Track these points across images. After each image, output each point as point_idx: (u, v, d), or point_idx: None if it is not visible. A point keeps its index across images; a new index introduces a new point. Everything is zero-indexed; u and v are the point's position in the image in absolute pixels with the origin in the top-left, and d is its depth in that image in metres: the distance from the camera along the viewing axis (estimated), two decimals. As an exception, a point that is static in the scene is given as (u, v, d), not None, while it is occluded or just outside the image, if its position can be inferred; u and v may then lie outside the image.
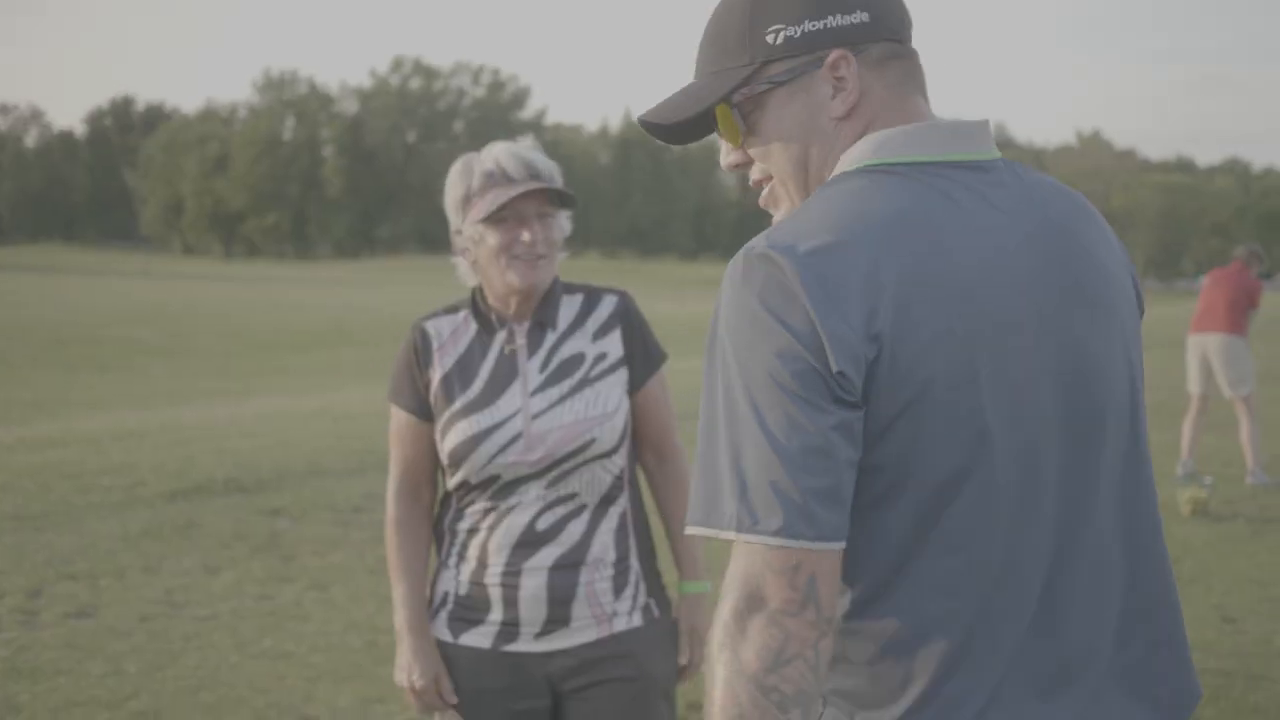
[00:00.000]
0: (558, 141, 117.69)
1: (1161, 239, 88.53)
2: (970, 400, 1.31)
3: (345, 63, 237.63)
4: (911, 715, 1.34)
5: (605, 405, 2.54)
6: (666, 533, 2.72)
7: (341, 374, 20.15)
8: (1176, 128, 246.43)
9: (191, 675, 4.98)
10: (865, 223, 1.33)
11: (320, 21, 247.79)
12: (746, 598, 1.29)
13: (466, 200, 2.55)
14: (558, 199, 2.54)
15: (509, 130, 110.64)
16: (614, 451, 2.55)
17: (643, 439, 2.67)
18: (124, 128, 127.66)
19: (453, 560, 2.62)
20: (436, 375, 2.59)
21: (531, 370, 2.56)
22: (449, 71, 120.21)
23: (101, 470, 8.92)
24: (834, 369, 1.28)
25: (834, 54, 1.43)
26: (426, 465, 2.65)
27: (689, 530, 1.34)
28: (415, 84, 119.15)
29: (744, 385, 1.30)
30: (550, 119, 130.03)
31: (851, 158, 1.43)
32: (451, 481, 2.59)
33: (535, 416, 2.52)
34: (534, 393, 2.54)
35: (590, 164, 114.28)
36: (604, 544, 2.55)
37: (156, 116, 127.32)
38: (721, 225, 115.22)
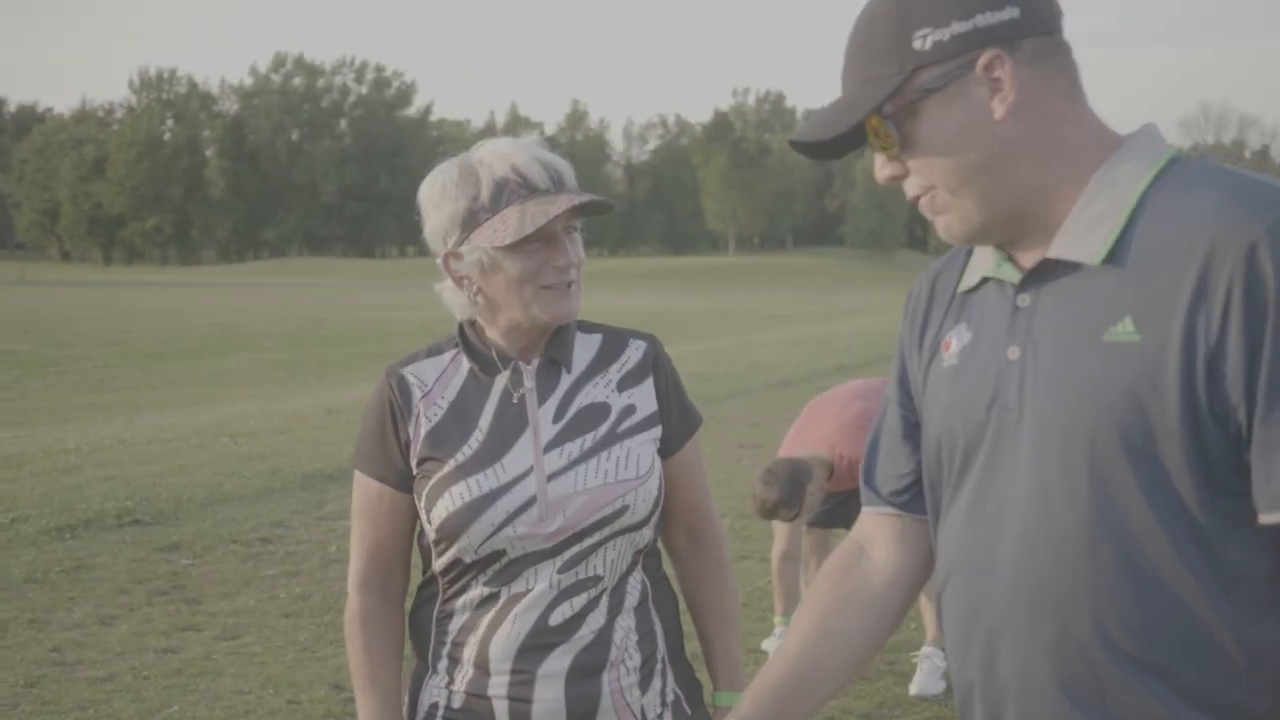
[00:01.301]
0: (443, 138, 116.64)
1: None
2: None
3: (226, 61, 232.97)
4: None
5: (639, 467, 2.03)
6: (699, 630, 2.21)
7: (232, 382, 19.28)
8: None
9: (89, 753, 4.36)
10: None
11: (199, 18, 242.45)
12: None
13: (471, 217, 2.00)
14: (584, 209, 2.02)
15: (394, 128, 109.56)
16: (645, 524, 2.05)
17: (674, 515, 2.16)
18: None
19: (443, 665, 2.08)
20: (422, 430, 2.05)
21: (544, 420, 2.04)
22: (332, 68, 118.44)
23: (-23, 504, 8.16)
24: None
25: (986, 55, 1.38)
26: (400, 546, 2.12)
27: None
28: (298, 82, 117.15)
29: None
30: (436, 115, 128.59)
31: (1148, 156, 1.41)
32: (440, 562, 2.05)
33: (551, 477, 2.00)
34: (548, 448, 2.02)
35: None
36: (627, 632, 2.05)
37: (29, 118, 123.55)
38: (609, 219, 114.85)
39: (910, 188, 1.45)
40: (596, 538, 2.00)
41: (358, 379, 18.31)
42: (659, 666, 2.09)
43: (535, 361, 2.07)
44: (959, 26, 1.37)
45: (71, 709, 4.78)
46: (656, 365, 2.12)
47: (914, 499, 1.63)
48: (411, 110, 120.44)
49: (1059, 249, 1.40)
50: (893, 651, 5.27)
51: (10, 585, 6.38)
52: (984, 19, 1.37)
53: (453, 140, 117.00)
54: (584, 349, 2.11)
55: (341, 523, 7.77)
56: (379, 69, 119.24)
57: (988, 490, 1.45)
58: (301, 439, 10.88)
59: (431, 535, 2.04)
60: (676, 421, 2.12)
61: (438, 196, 2.03)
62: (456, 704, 2.05)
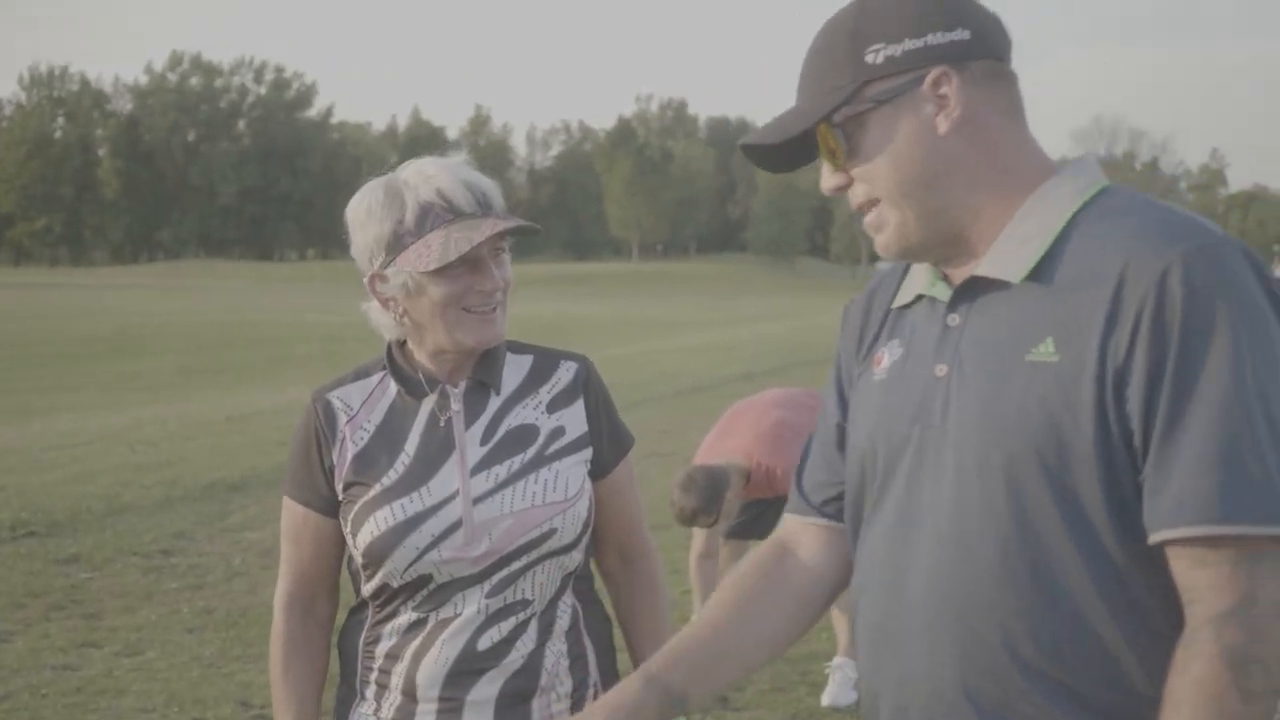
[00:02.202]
0: (344, 140, 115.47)
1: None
2: None
3: (119, 58, 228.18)
4: None
5: (566, 489, 2.01)
6: (632, 653, 2.17)
7: (130, 388, 18.90)
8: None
9: (-14, 776, 4.22)
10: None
11: (92, 14, 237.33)
12: None
13: (396, 240, 1.95)
14: (510, 233, 1.99)
15: (293, 130, 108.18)
16: (574, 547, 2.02)
17: (606, 537, 2.14)
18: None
19: (370, 691, 2.04)
20: (348, 454, 2.02)
21: (471, 442, 2.01)
22: (230, 68, 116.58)
23: None
24: None
25: (935, 71, 1.43)
26: (326, 571, 2.08)
27: (1210, 530, 1.28)
28: (195, 81, 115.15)
29: (1276, 373, 1.32)
30: (337, 117, 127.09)
31: (1079, 183, 1.46)
32: (368, 587, 2.02)
33: (478, 501, 1.97)
34: (474, 471, 1.99)
35: (379, 164, 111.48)
36: (558, 657, 2.02)
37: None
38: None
39: (854, 197, 1.49)
40: (524, 561, 1.97)
41: (260, 385, 18.02)
42: (591, 692, 2.06)
43: (463, 384, 2.03)
44: (911, 44, 1.43)
45: (-34, 730, 4.63)
46: (587, 386, 2.09)
47: (842, 509, 1.65)
48: (312, 112, 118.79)
49: (987, 267, 1.44)
50: (805, 662, 5.29)
51: (-102, 600, 6.17)
52: (935, 38, 1.43)
53: (354, 142, 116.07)
54: (514, 370, 2.08)
55: (245, 534, 7.63)
56: (279, 70, 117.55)
57: (908, 504, 1.47)
58: (203, 447, 10.67)
59: (358, 560, 2.01)
60: (607, 443, 2.10)
61: (364, 217, 1.99)
62: None
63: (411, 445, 2.01)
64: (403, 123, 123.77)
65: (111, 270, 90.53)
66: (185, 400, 16.04)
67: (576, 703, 2.03)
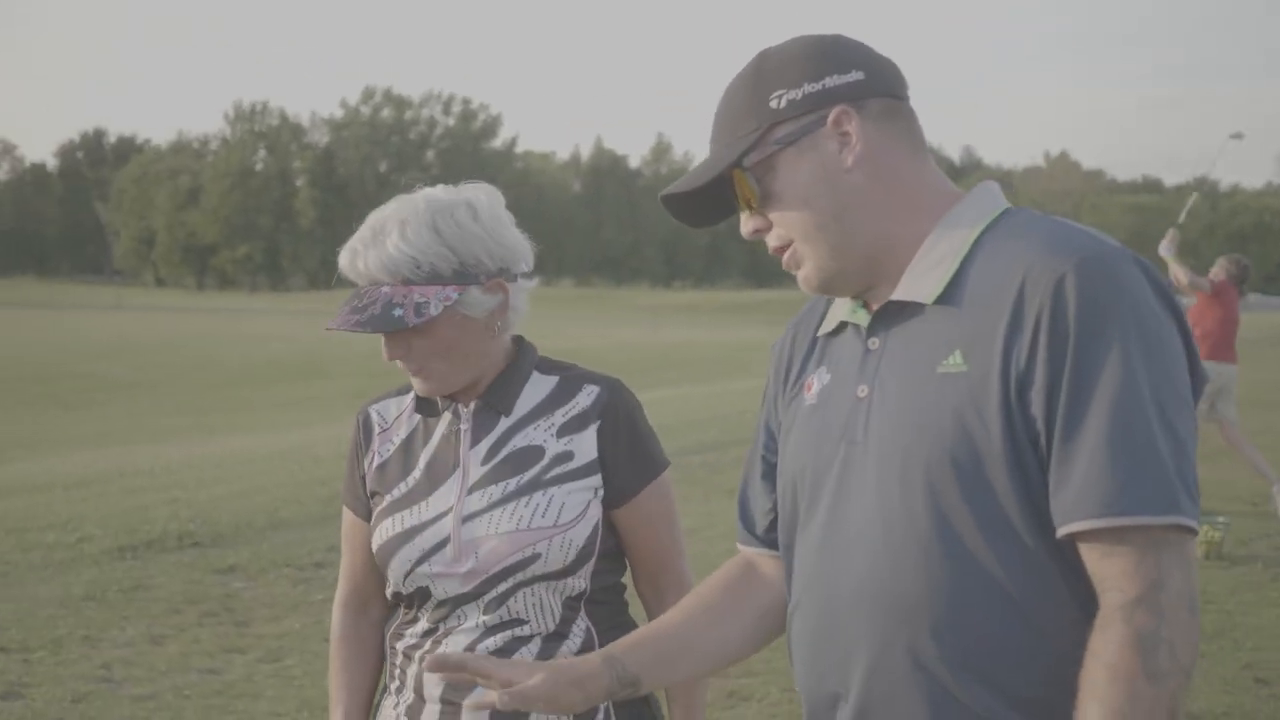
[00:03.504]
0: (528, 169, 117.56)
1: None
2: None
3: (316, 93, 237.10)
4: None
5: (558, 515, 2.01)
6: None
7: (311, 409, 19.61)
8: (1143, 148, 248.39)
9: (124, 769, 4.45)
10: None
11: (290, 52, 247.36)
12: (1192, 593, 1.37)
13: None
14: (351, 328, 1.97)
15: (479, 159, 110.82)
16: (567, 574, 2.03)
17: (636, 566, 2.15)
18: (96, 161, 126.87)
19: (394, 685, 2.15)
20: (373, 464, 2.15)
21: (473, 461, 2.06)
22: (420, 101, 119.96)
23: (47, 524, 8.37)
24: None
25: (835, 110, 1.51)
26: (375, 573, 2.18)
27: (1116, 521, 1.35)
28: (386, 114, 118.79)
29: (1170, 374, 1.39)
30: (521, 147, 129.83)
31: (982, 207, 1.54)
32: (388, 591, 2.14)
33: (467, 519, 2.02)
34: (472, 489, 2.05)
35: (562, 192, 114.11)
36: None
37: (128, 149, 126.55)
38: (693, 251, 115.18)
39: (772, 240, 1.57)
40: (511, 582, 2.01)
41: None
42: (600, 714, 2.06)
43: (473, 404, 2.09)
44: (809, 87, 1.51)
45: (112, 725, 4.89)
46: (605, 412, 2.07)
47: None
48: (497, 142, 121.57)
49: (901, 291, 1.52)
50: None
51: (70, 603, 6.54)
52: (832, 80, 1.52)
53: (538, 171, 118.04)
54: (534, 392, 2.10)
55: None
56: (465, 101, 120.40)
57: (836, 518, 1.53)
58: (366, 466, 11.00)
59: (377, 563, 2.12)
60: (625, 470, 2.07)
61: None
62: None
63: (423, 461, 2.09)
64: (586, 152, 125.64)
65: (306, 296, 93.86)
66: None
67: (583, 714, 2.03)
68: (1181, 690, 1.35)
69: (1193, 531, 1.38)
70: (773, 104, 1.52)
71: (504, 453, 2.06)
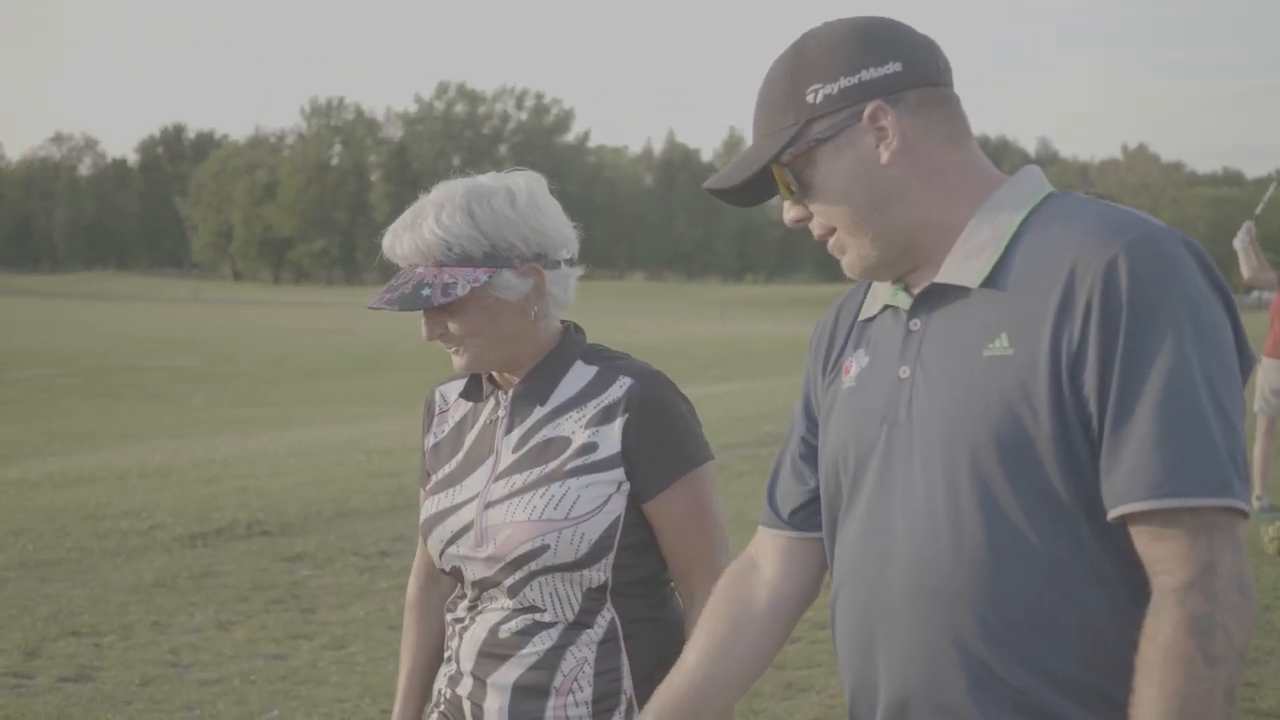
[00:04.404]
0: (601, 163, 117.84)
1: (1212, 253, 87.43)
2: None
3: (390, 89, 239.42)
4: None
5: (571, 508, 2.01)
6: None
7: (383, 401, 19.81)
8: (1224, 140, 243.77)
9: (190, 751, 4.54)
10: None
11: (365, 48, 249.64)
12: (1244, 575, 1.36)
13: None
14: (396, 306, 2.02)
15: (552, 153, 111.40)
16: (581, 566, 2.02)
17: (668, 562, 2.12)
18: (175, 156, 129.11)
19: (448, 654, 2.21)
20: (429, 443, 2.24)
21: (506, 448, 2.10)
22: (493, 96, 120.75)
23: (122, 512, 8.54)
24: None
25: (871, 105, 1.51)
26: None
27: (1168, 503, 1.35)
28: (459, 109, 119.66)
29: (1221, 356, 1.39)
30: (594, 141, 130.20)
31: (1025, 191, 1.54)
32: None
33: (489, 506, 2.06)
34: (499, 476, 2.08)
35: (634, 186, 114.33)
36: (580, 664, 2.04)
37: (207, 144, 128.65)
38: (765, 245, 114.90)
39: (815, 229, 1.59)
40: (525, 570, 2.03)
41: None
42: (620, 705, 2.06)
43: (512, 391, 2.12)
44: (845, 81, 1.52)
45: (179, 709, 4.99)
46: (634, 405, 2.04)
47: (808, 518, 1.72)
48: (570, 136, 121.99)
49: (945, 275, 1.53)
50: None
51: (141, 589, 6.67)
52: (868, 74, 1.52)
53: (611, 165, 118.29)
54: (573, 381, 2.10)
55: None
56: (538, 96, 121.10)
57: (880, 501, 1.53)
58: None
59: None
60: (649, 465, 2.04)
61: None
62: (447, 694, 2.17)
63: (467, 444, 2.15)
64: (658, 146, 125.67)
65: (378, 289, 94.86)
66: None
67: (599, 712, 2.04)
68: (1237, 672, 1.34)
69: (1244, 514, 1.37)
70: (809, 98, 1.53)
71: (534, 441, 2.08)
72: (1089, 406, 1.38)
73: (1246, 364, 1.44)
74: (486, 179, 2.11)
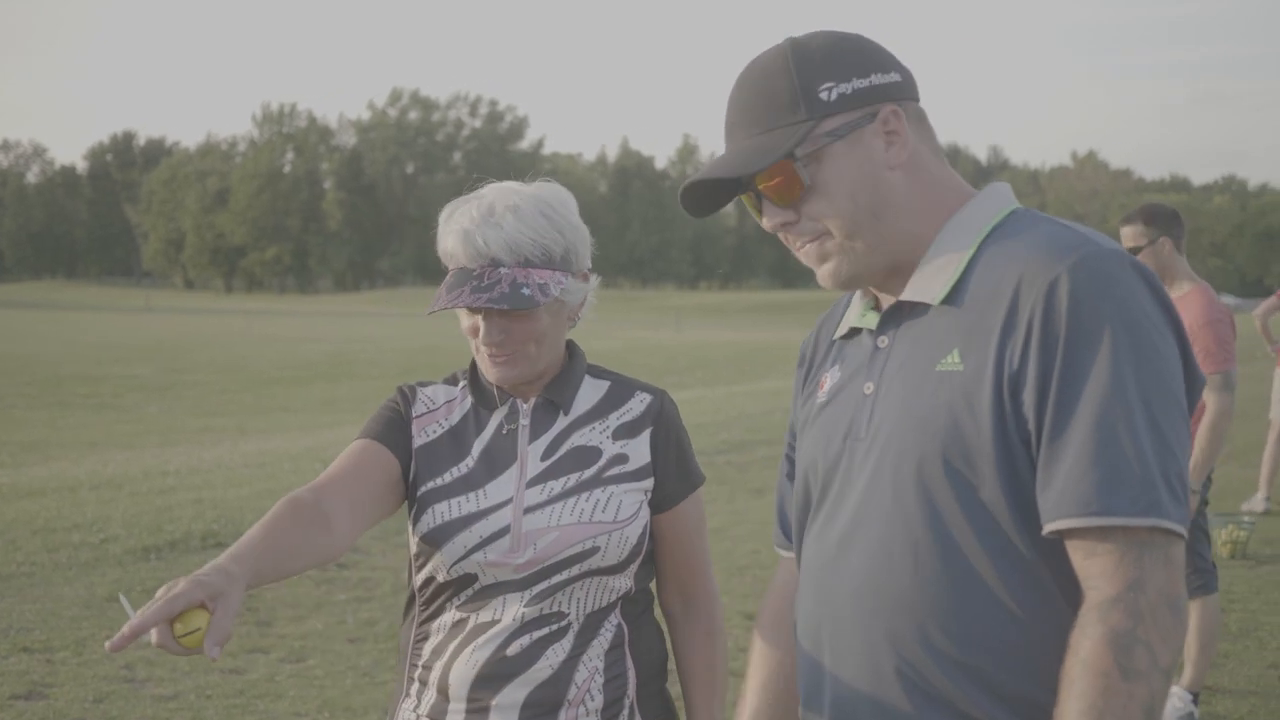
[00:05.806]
0: (556, 170, 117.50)
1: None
2: None
3: (343, 95, 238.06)
4: None
5: (617, 511, 2.05)
6: (684, 697, 2.20)
7: (339, 409, 19.67)
8: (1170, 146, 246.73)
9: (146, 769, 4.47)
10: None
11: (318, 55, 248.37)
12: (1175, 595, 1.37)
13: (442, 262, 2.08)
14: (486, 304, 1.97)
15: (506, 161, 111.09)
16: (619, 570, 2.06)
17: (666, 573, 2.17)
18: (125, 163, 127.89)
19: (414, 688, 2.13)
20: (416, 443, 2.11)
21: (532, 456, 2.08)
22: (446, 103, 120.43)
23: (74, 524, 8.41)
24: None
25: (887, 108, 1.53)
26: (352, 487, 1.98)
27: (1095, 521, 1.36)
28: (413, 116, 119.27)
29: (1160, 376, 1.40)
30: (548, 149, 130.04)
31: (988, 209, 1.57)
32: (418, 578, 2.12)
33: (528, 511, 2.04)
34: (531, 483, 2.06)
35: (589, 193, 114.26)
36: (592, 673, 2.05)
37: (157, 151, 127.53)
38: (720, 252, 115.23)
39: (802, 233, 1.57)
40: (565, 575, 2.02)
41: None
42: (625, 711, 2.08)
43: (533, 400, 2.11)
44: (859, 82, 1.53)
45: (134, 725, 4.92)
46: (658, 419, 2.12)
47: None
48: (524, 144, 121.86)
49: (909, 292, 1.56)
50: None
51: (94, 604, 6.58)
52: (878, 78, 1.54)
53: (565, 173, 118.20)
54: (588, 394, 2.13)
55: (418, 549, 7.87)
56: (492, 103, 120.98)
57: (838, 513, 1.57)
58: (390, 466, 11.02)
59: (413, 548, 2.10)
60: (673, 477, 2.11)
61: (440, 230, 2.08)
62: None
63: (476, 450, 2.09)
64: (612, 154, 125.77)
65: (333, 298, 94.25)
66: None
67: (609, 710, 2.06)
68: (1160, 691, 1.35)
69: (1177, 534, 1.38)
70: (823, 95, 1.52)
71: (563, 450, 2.08)
72: (1028, 424, 1.41)
73: (1194, 382, 1.46)
74: (518, 186, 2.07)
